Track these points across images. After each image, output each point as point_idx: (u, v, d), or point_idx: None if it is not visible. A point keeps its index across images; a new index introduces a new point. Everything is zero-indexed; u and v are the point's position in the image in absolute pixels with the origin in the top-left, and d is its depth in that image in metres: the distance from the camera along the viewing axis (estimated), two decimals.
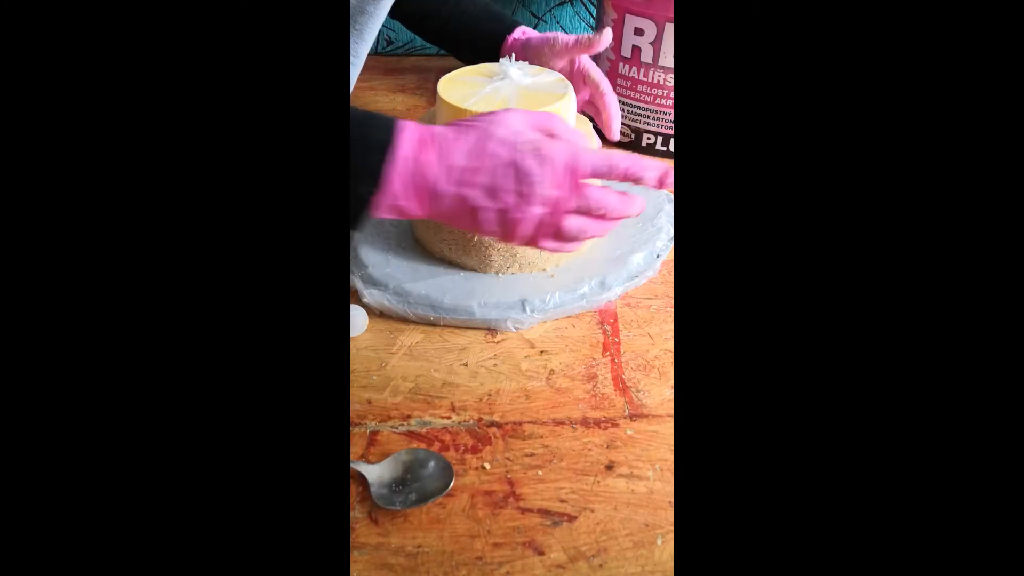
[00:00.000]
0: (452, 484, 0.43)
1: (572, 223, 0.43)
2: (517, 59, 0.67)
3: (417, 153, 0.41)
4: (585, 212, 0.44)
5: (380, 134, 0.41)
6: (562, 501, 0.42)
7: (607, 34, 0.66)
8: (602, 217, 0.44)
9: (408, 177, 0.40)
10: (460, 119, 0.45)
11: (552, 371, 0.52)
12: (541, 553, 0.39)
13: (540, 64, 0.70)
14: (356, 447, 0.46)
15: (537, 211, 0.42)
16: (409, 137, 0.41)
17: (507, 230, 0.43)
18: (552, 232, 0.43)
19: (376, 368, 0.52)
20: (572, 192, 0.42)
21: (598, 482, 0.43)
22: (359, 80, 1.00)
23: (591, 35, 0.68)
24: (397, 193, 0.41)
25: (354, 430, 0.47)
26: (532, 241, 0.44)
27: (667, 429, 0.47)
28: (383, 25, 1.09)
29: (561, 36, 0.70)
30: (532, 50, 0.72)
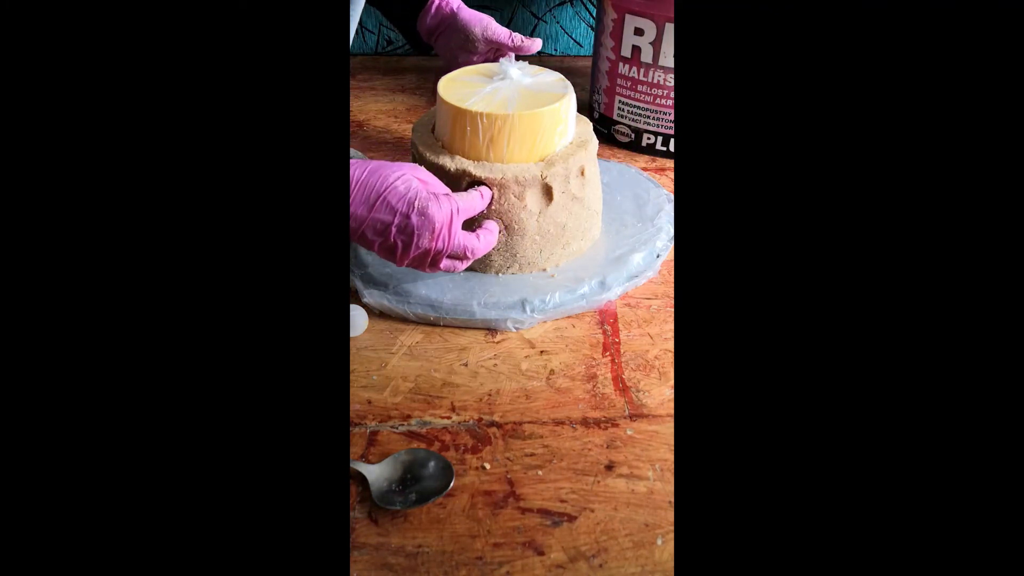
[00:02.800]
0: (452, 484, 0.43)
1: (445, 263, 0.54)
2: (442, 25, 0.70)
3: None
4: (455, 257, 0.54)
5: None
6: (562, 501, 0.42)
7: (537, 43, 0.76)
8: (465, 257, 0.55)
9: None
10: (366, 162, 0.52)
11: (552, 371, 0.52)
12: (541, 553, 0.39)
13: (464, 38, 0.75)
14: (356, 447, 0.46)
15: (417, 253, 0.52)
16: None
17: (393, 260, 0.53)
18: (428, 265, 0.54)
19: (376, 368, 0.52)
20: (446, 243, 0.52)
21: (598, 482, 0.43)
22: (359, 80, 1.00)
23: (524, 38, 0.76)
24: None
25: (354, 430, 0.47)
26: (417, 268, 0.55)
27: (667, 429, 0.47)
28: (383, 25, 1.09)
29: (495, 24, 0.74)
30: (461, 22, 0.76)
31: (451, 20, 0.78)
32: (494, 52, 0.79)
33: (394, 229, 0.50)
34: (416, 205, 0.50)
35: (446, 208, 0.51)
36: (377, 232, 0.51)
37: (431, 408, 0.49)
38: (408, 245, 0.51)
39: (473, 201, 0.54)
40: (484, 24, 0.77)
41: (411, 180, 0.51)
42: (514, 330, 0.56)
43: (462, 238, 0.53)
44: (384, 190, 0.50)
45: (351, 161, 0.51)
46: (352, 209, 0.50)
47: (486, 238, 0.55)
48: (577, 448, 0.46)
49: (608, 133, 0.84)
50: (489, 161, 0.57)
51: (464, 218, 0.53)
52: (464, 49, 0.80)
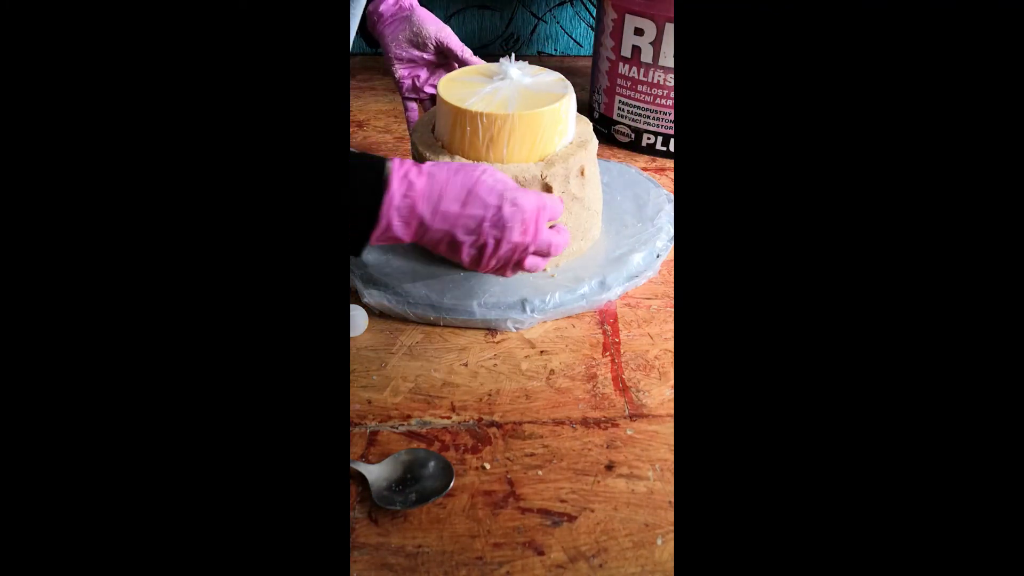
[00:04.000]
0: (452, 484, 0.43)
1: (530, 260, 0.52)
2: (398, 15, 0.70)
3: (407, 191, 0.47)
4: (540, 253, 0.52)
5: (372, 175, 0.46)
6: (562, 501, 0.42)
7: (478, 60, 0.74)
8: (548, 253, 0.53)
9: (401, 214, 0.47)
10: (444, 164, 0.50)
11: (552, 371, 0.52)
12: (541, 553, 0.39)
13: (414, 33, 0.74)
14: (356, 447, 0.46)
15: (507, 249, 0.50)
16: (400, 178, 0.47)
17: (480, 263, 0.51)
18: (514, 266, 0.52)
19: (376, 368, 0.52)
20: (535, 237, 0.50)
21: (598, 482, 0.43)
22: (359, 80, 1.00)
23: (472, 57, 0.73)
24: (390, 226, 0.47)
25: (354, 430, 0.47)
26: (499, 272, 0.53)
27: (667, 429, 0.47)
28: None
29: (450, 32, 0.73)
30: (416, 17, 0.75)
31: (407, 12, 0.78)
32: (438, 56, 0.79)
33: (487, 224, 0.48)
34: (506, 195, 0.49)
35: (533, 198, 0.50)
36: (469, 231, 0.48)
37: (431, 408, 0.49)
38: (499, 240, 0.49)
39: (555, 201, 0.53)
40: (439, 27, 0.76)
41: (496, 173, 0.50)
42: (514, 330, 0.56)
43: (546, 233, 0.51)
44: (472, 184, 0.49)
45: (432, 165, 0.49)
46: (443, 208, 0.48)
47: (564, 235, 0.53)
48: (577, 448, 0.46)
49: (608, 133, 0.84)
50: (489, 161, 0.57)
51: (548, 217, 0.52)
52: (410, 42, 0.79)
